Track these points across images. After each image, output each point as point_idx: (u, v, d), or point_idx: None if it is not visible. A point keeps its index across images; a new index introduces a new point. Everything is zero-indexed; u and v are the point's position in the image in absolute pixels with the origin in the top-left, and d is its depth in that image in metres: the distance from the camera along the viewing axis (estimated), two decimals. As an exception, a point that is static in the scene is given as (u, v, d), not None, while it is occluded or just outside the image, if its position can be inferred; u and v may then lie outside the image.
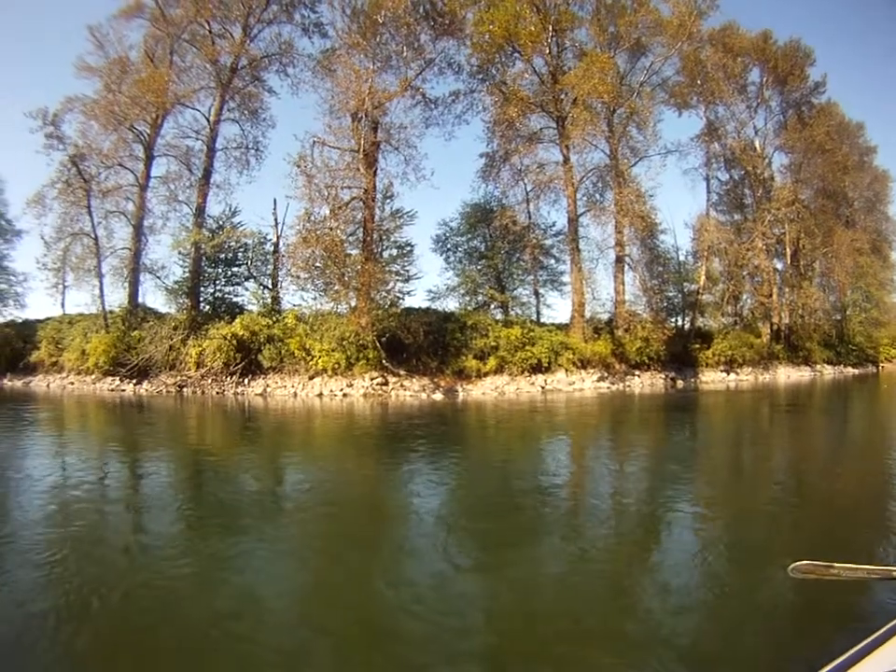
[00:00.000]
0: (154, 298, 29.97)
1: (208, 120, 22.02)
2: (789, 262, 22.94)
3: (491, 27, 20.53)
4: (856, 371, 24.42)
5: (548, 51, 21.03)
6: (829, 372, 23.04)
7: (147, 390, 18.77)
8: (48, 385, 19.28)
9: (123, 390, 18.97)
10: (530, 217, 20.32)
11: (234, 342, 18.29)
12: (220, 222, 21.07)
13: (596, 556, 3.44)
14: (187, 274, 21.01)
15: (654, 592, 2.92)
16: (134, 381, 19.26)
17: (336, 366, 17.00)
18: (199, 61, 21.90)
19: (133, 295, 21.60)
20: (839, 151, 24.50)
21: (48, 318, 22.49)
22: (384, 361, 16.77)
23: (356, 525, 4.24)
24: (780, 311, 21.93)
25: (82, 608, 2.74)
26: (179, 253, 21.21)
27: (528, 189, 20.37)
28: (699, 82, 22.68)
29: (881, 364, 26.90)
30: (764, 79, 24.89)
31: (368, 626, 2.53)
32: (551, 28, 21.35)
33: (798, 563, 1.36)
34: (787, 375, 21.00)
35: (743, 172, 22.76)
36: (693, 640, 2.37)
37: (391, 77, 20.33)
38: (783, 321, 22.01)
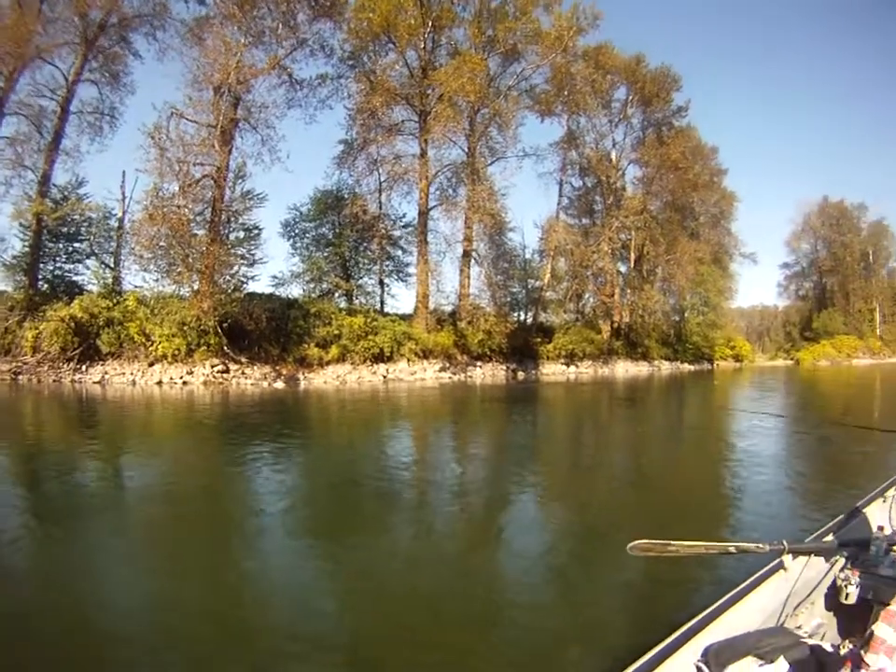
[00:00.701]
0: None
1: (66, 79, 20.23)
2: (632, 266, 25.58)
3: (371, 14, 20.65)
4: (692, 368, 27.52)
5: (423, 46, 21.56)
6: (666, 368, 26.01)
7: None
8: None
9: None
10: (381, 208, 20.78)
11: (72, 324, 17.22)
12: (65, 193, 19.53)
13: (440, 542, 3.45)
14: (26, 249, 19.30)
15: (498, 573, 2.99)
16: None
17: (176, 352, 16.63)
18: (68, 12, 19.97)
19: (-31, 270, 19.57)
20: (691, 170, 27.37)
21: None
22: (225, 348, 16.69)
23: (197, 519, 4.07)
24: (622, 310, 24.46)
25: None
26: (20, 224, 19.42)
27: (382, 180, 20.75)
28: (566, 93, 24.31)
29: (716, 362, 30.83)
30: (630, 97, 27.17)
31: (217, 625, 2.42)
32: (430, 23, 21.88)
33: (636, 542, 1.36)
34: (626, 369, 23.47)
35: (596, 180, 24.90)
36: (537, 616, 2.39)
37: (260, 54, 19.90)
38: (624, 319, 24.57)
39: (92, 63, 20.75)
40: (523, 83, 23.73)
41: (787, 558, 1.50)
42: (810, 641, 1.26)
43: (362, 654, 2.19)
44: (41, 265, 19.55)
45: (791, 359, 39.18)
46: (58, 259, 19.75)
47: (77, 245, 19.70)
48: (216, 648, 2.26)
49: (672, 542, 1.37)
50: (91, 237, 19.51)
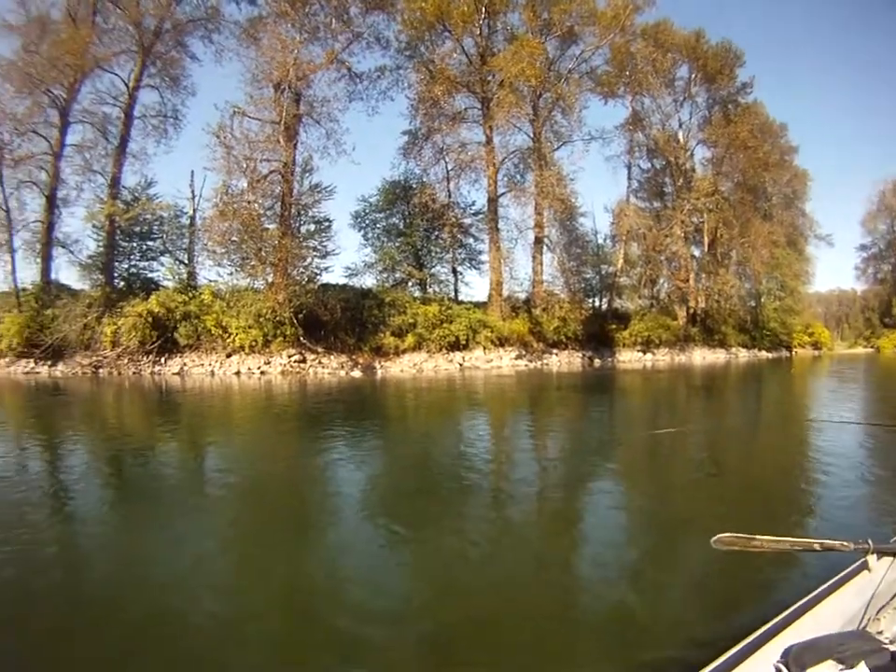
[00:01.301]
0: (68, 274, 28.25)
1: (127, 86, 20.94)
2: (706, 250, 24.16)
3: (423, 4, 20.46)
4: (770, 356, 25.87)
5: (479, 32, 21.17)
6: (744, 356, 24.45)
7: (62, 372, 17.82)
8: None
9: (38, 373, 17.90)
10: (450, 196, 20.48)
11: (150, 319, 17.60)
12: (136, 194, 20.13)
13: (520, 530, 3.42)
14: (101, 249, 19.96)
15: (574, 564, 2.92)
16: (49, 363, 18.23)
17: (253, 343, 16.69)
18: (122, 22, 20.75)
19: (46, 271, 20.30)
20: (761, 149, 25.82)
21: None
22: (301, 338, 16.61)
23: (281, 505, 4.09)
24: (697, 295, 23.11)
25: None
26: (93, 226, 20.10)
27: (449, 168, 20.49)
28: (628, 73, 23.39)
29: (794, 349, 28.76)
30: (693, 76, 25.91)
31: (295, 609, 2.46)
32: (483, 9, 21.49)
33: (721, 535, 1.36)
34: (703, 357, 22.14)
35: (665, 161, 23.73)
36: (613, 611, 2.33)
37: (317, 49, 19.99)
38: (699, 305, 23.20)
39: (151, 68, 21.38)
40: (583, 65, 22.96)
41: (871, 558, 1.45)
42: (892, 648, 1.18)
43: (436, 639, 2.15)
44: (116, 263, 20.17)
45: (872, 347, 36.22)
46: (132, 257, 20.34)
47: (150, 243, 20.24)
48: (292, 629, 2.28)
49: (756, 537, 1.36)
50: (164, 235, 20.00)
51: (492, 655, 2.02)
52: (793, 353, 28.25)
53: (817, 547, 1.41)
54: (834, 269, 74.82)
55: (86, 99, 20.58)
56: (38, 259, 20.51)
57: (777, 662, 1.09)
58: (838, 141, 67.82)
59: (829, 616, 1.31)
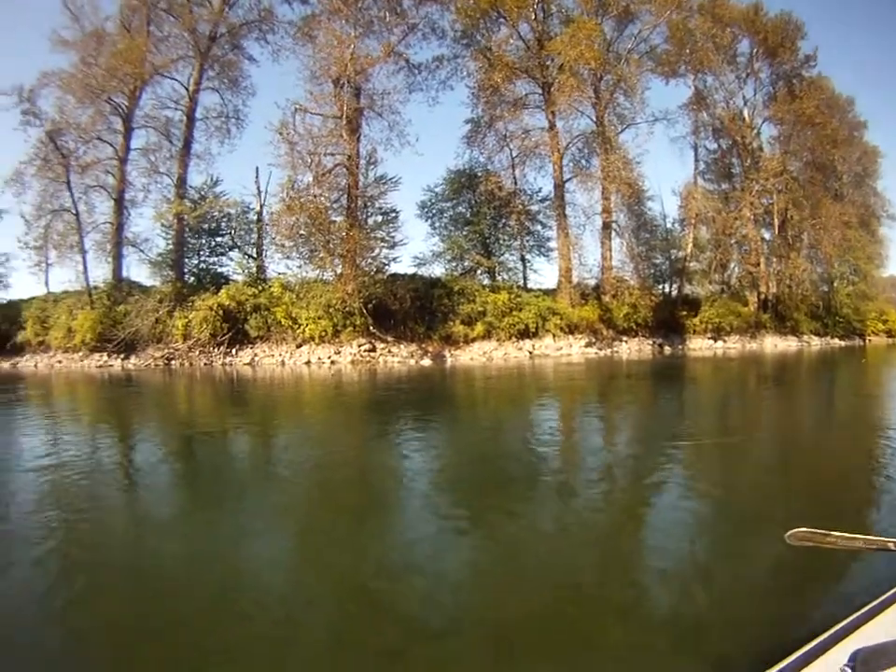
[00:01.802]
0: (138, 271, 29.43)
1: (187, 90, 21.60)
2: (776, 232, 22.95)
3: None
4: (843, 343, 24.41)
5: (534, 17, 20.76)
6: (816, 343, 23.18)
7: (134, 364, 18.57)
8: (35, 366, 18.92)
9: (111, 366, 18.72)
10: (516, 183, 20.23)
11: (220, 312, 18.14)
12: (202, 192, 20.78)
13: (589, 519, 3.40)
14: (170, 246, 20.75)
15: (645, 557, 2.88)
16: (122, 356, 19.04)
17: (323, 333, 16.94)
18: (176, 30, 21.43)
19: (117, 269, 21.26)
20: (829, 125, 24.38)
21: (32, 298, 21.87)
22: (371, 328, 16.73)
23: (348, 491, 4.16)
24: (768, 280, 22.01)
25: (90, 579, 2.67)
26: (162, 225, 20.93)
27: (514, 155, 20.20)
28: (687, 51, 22.47)
29: (868, 337, 27.04)
30: (754, 51, 24.68)
31: (359, 595, 2.48)
32: (537, -7, 21.05)
33: (795, 530, 1.34)
34: (774, 344, 21.12)
35: (731, 141, 22.68)
36: (684, 603, 2.31)
37: (373, 43, 20.06)
38: (770, 291, 22.10)
39: (209, 71, 21.93)
40: (642, 45, 22.19)
41: None
42: None
43: (498, 629, 2.13)
44: (186, 260, 20.91)
45: (951, 336, 33.75)
46: (201, 253, 21.02)
47: (219, 238, 20.87)
48: (356, 615, 2.28)
49: (831, 533, 1.34)
50: (232, 231, 20.55)
51: (553, 647, 1.99)
52: (867, 341, 26.55)
53: (892, 546, 1.37)
54: None
55: (147, 105, 21.41)
56: (109, 259, 21.49)
57: (845, 665, 1.04)
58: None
59: None
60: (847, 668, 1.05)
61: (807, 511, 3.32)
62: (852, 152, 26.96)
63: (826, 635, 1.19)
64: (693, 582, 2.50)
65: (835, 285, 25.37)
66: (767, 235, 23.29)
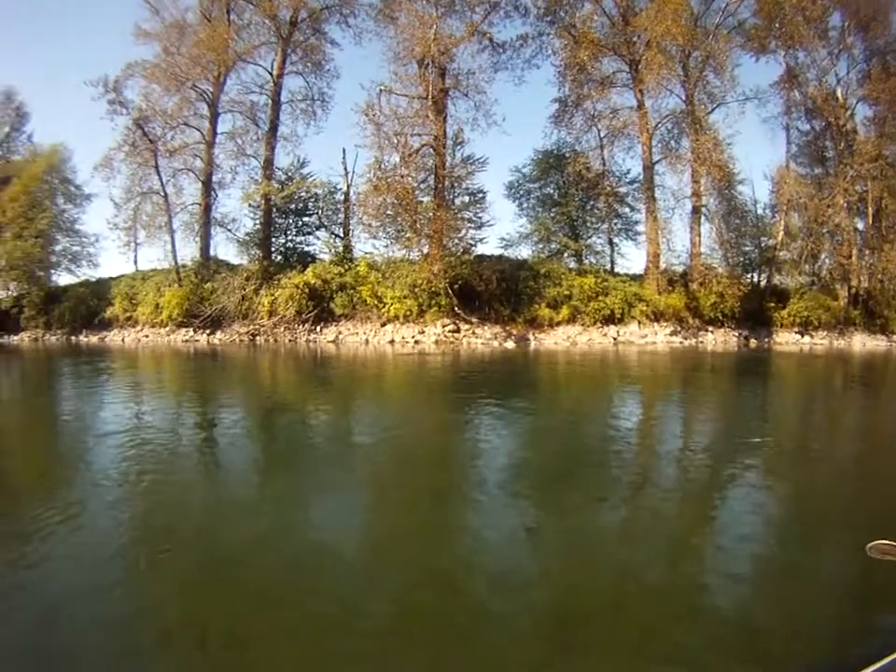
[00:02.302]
0: (225, 250, 30.72)
1: (271, 75, 22.15)
2: (870, 222, 21.61)
3: None
4: None
5: (617, -9, 20.06)
6: (904, 343, 21.97)
7: (220, 340, 19.59)
8: (122, 340, 19.94)
9: (197, 340, 19.69)
10: (604, 164, 19.91)
11: (306, 290, 18.89)
12: (289, 174, 21.44)
13: (662, 516, 3.33)
14: (257, 226, 21.60)
15: (708, 558, 2.84)
16: (208, 331, 20.11)
17: (408, 313, 17.42)
18: (257, 17, 21.92)
19: (205, 248, 22.28)
20: None
21: (121, 276, 23.10)
22: (455, 308, 17.08)
23: (426, 472, 4.17)
24: (859, 274, 20.91)
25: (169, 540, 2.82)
26: (249, 206, 21.77)
27: (602, 136, 19.82)
28: (777, 25, 21.16)
29: (963, 340, 25.21)
30: (846, 24, 22.90)
31: (430, 573, 2.51)
32: (619, -34, 20.30)
33: (877, 542, 1.28)
34: (863, 343, 20.16)
35: (824, 123, 21.36)
36: (752, 610, 2.23)
37: (456, 22, 19.97)
38: (861, 285, 21.01)
39: (293, 56, 22.31)
40: (730, 19, 21.10)
41: None
42: None
43: (561, 618, 2.15)
44: (273, 239, 21.76)
45: None
46: (288, 232, 21.81)
47: (305, 218, 21.59)
48: (424, 595, 2.30)
49: None
50: (320, 211, 21.20)
51: (615, 641, 1.98)
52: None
53: None
54: None
55: (233, 90, 22.07)
56: (197, 238, 22.56)
57: None
58: None
59: None
60: None
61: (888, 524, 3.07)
62: (953, 135, 24.83)
63: (891, 658, 1.15)
64: (764, 588, 2.44)
65: (929, 279, 23.77)
66: (860, 225, 22.02)
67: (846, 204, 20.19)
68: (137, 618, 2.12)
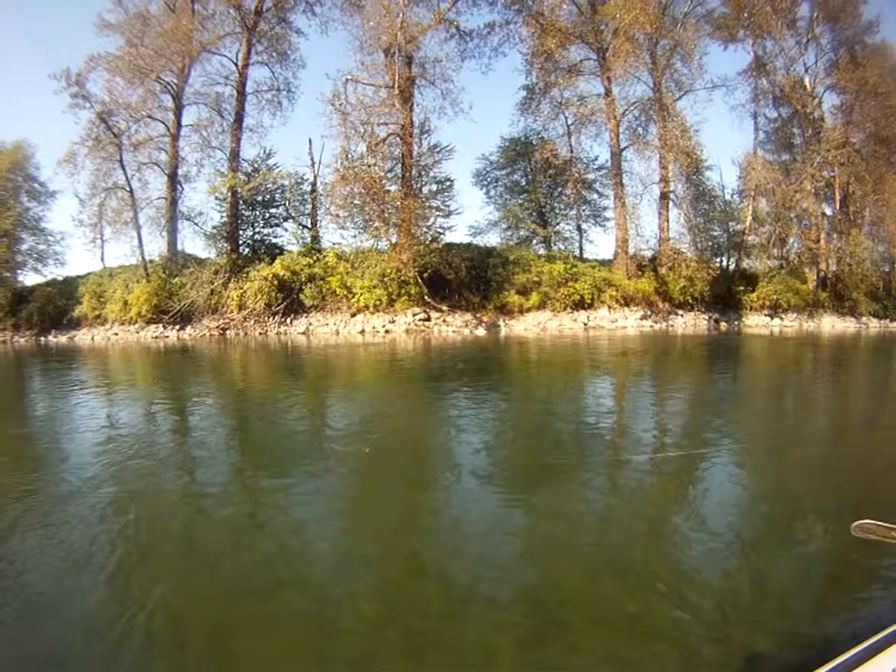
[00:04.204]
0: (193, 244, 29.97)
1: (236, 65, 21.76)
2: (838, 208, 21.95)
3: None
4: None
5: (586, -21, 20.09)
6: (875, 326, 22.23)
7: (190, 335, 19.12)
8: (92, 338, 19.38)
9: (167, 336, 19.23)
10: (572, 151, 19.96)
11: (275, 282, 18.55)
12: (255, 165, 21.08)
13: (639, 499, 3.31)
14: (225, 219, 21.17)
15: (693, 540, 2.79)
16: (177, 327, 19.61)
17: (378, 303, 17.20)
18: (221, 7, 21.48)
19: (172, 243, 21.77)
20: (893, 95, 22.99)
21: (88, 273, 22.42)
22: (426, 297, 16.89)
23: (401, 460, 4.19)
24: (827, 257, 21.22)
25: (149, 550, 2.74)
26: (216, 198, 21.34)
27: (569, 123, 19.91)
28: (746, 15, 21.43)
29: (931, 323, 25.80)
30: (815, 14, 23.30)
31: (410, 561, 2.54)
32: (587, -46, 20.34)
33: (861, 521, 1.29)
34: (832, 325, 20.46)
35: (792, 110, 21.67)
36: (734, 591, 2.23)
37: (423, 11, 19.80)
38: (830, 268, 21.33)
39: (258, 46, 21.94)
40: (699, 8, 21.30)
41: None
42: None
43: (541, 600, 2.15)
44: (241, 232, 21.33)
45: None
46: (256, 224, 21.41)
47: (273, 210, 21.20)
48: (405, 581, 2.31)
49: None
50: (287, 202, 20.85)
51: (594, 623, 1.99)
52: (928, 326, 25.37)
53: None
54: None
55: (197, 82, 21.58)
56: (164, 233, 22.01)
57: None
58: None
59: None
60: None
61: (864, 504, 3.12)
62: (918, 125, 25.36)
63: (881, 635, 1.16)
64: (745, 569, 2.42)
65: (897, 264, 24.26)
66: (828, 210, 22.36)
67: (813, 190, 20.47)
68: (119, 614, 2.09)
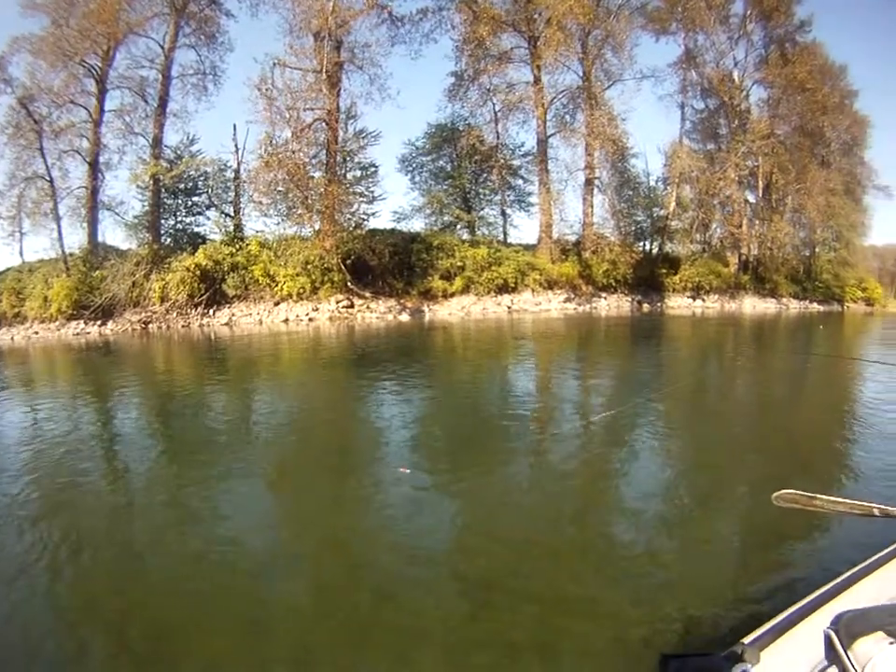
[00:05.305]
0: (114, 235, 28.71)
1: (163, 48, 20.86)
2: (760, 195, 22.87)
3: None
4: (821, 308, 24.52)
5: (521, -32, 20.12)
6: (794, 307, 23.33)
7: (112, 330, 18.19)
8: (11, 339, 18.10)
9: (88, 333, 18.26)
10: (498, 137, 19.98)
11: (198, 272, 17.84)
12: (178, 152, 20.25)
13: (565, 475, 3.35)
14: (146, 208, 20.26)
15: (618, 515, 2.83)
16: (99, 322, 18.64)
17: (301, 291, 16.77)
18: None
19: (93, 234, 20.72)
20: (820, 91, 24.04)
21: (7, 269, 21.16)
22: (349, 284, 16.57)
23: (326, 449, 4.15)
24: (749, 242, 22.02)
25: (78, 531, 2.73)
26: (137, 187, 20.37)
27: (496, 109, 19.88)
28: (680, 9, 21.99)
29: (847, 304, 27.26)
30: (748, 12, 24.12)
31: (340, 551, 2.49)
32: (525, -56, 20.37)
33: (782, 491, 1.34)
34: (753, 306, 21.28)
35: (719, 102, 22.38)
36: (663, 561, 2.24)
37: (356, -6, 19.39)
38: (752, 252, 22.15)
39: (186, 28, 21.17)
40: (633, 0, 21.67)
41: None
42: None
43: (468, 582, 2.15)
44: (163, 221, 20.46)
45: (927, 308, 34.15)
46: (178, 213, 20.59)
47: (195, 198, 20.43)
48: (335, 570, 2.29)
49: (817, 496, 1.35)
50: (209, 190, 20.11)
51: (526, 601, 1.96)
52: (845, 307, 26.77)
53: (876, 512, 1.37)
54: (892, 223, 68.57)
55: (122, 65, 20.60)
56: (84, 224, 20.91)
57: (828, 628, 1.06)
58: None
59: (881, 586, 1.27)
60: (830, 631, 1.05)
61: (777, 474, 3.16)
62: (842, 120, 26.64)
63: (810, 598, 1.20)
64: (672, 540, 2.44)
65: (817, 250, 25.43)
66: (751, 198, 23.22)
67: (737, 178, 21.18)
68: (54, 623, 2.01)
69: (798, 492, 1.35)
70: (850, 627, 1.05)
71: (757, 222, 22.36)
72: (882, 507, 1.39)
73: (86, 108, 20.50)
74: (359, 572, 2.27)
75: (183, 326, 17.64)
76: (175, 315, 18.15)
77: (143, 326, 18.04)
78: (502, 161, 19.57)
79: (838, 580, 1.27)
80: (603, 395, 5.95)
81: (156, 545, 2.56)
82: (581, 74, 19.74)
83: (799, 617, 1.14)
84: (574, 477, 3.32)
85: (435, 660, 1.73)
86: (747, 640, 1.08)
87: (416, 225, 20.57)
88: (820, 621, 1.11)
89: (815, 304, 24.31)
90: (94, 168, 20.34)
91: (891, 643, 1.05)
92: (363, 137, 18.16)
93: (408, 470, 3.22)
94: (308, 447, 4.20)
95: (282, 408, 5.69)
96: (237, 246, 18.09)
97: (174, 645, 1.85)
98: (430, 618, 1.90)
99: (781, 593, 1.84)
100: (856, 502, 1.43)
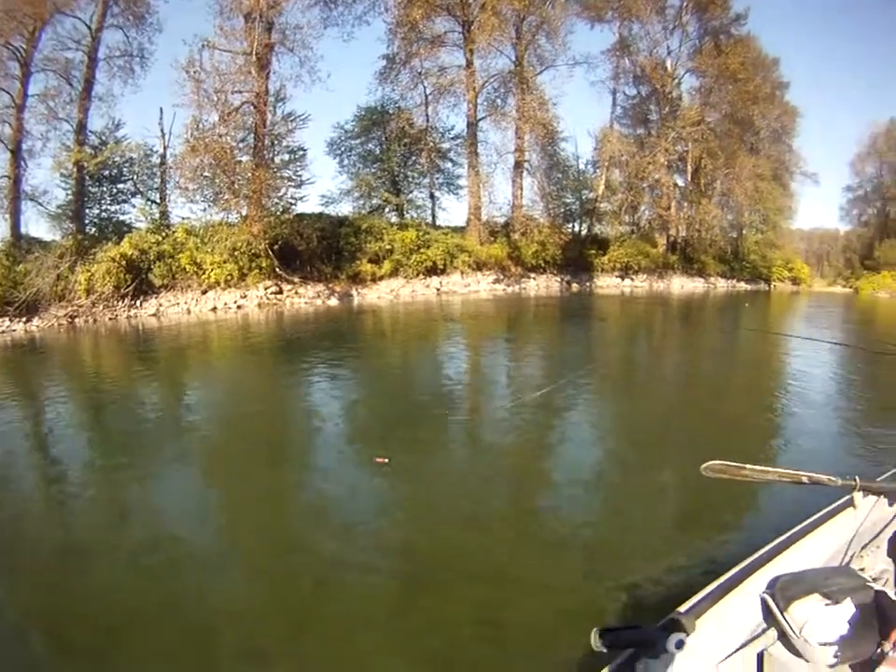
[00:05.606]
0: (38, 226, 27.43)
1: (90, 28, 20.03)
2: (689, 179, 23.78)
3: None
4: (749, 287, 25.67)
5: (457, -48, 20.15)
6: (722, 286, 24.40)
7: (38, 327, 17.43)
8: None
9: (14, 331, 17.49)
10: (428, 121, 19.97)
11: (123, 263, 17.30)
12: (103, 138, 19.54)
13: (498, 452, 3.38)
14: (70, 197, 19.49)
15: (555, 490, 2.86)
16: (24, 319, 17.84)
17: (229, 278, 16.52)
18: None
19: (16, 226, 19.73)
20: (752, 82, 25.01)
21: None
22: (277, 269, 16.43)
23: (261, 438, 4.12)
24: (678, 224, 22.87)
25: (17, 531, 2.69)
26: (61, 175, 19.56)
27: (427, 93, 19.83)
28: (616, -2, 22.47)
29: (773, 283, 28.75)
30: (685, 3, 24.85)
31: (277, 539, 2.50)
32: (460, -73, 20.40)
33: (711, 462, 1.34)
34: (681, 285, 22.14)
35: (651, 89, 23.08)
36: (597, 533, 2.32)
37: (289, -25, 19.06)
38: (680, 234, 23.02)
39: (114, 8, 20.34)
40: (570, -12, 21.97)
41: (857, 495, 1.41)
42: (875, 586, 1.16)
43: (410, 563, 2.13)
44: (87, 210, 19.73)
45: (850, 287, 36.33)
46: (103, 202, 19.90)
47: (120, 185, 19.80)
48: (275, 558, 2.29)
49: (746, 466, 1.35)
50: (135, 176, 19.52)
51: (465, 577, 2.00)
52: (772, 286, 28.19)
53: (804, 480, 1.39)
54: (818, 208, 73.92)
55: (47, 46, 19.59)
56: (6, 216, 19.98)
57: (764, 593, 1.09)
58: (832, 82, 66.41)
59: (814, 550, 1.31)
60: (766, 595, 1.07)
61: (706, 442, 3.33)
62: (772, 110, 27.85)
63: (744, 564, 1.20)
64: (606, 515, 2.53)
65: (744, 232, 26.65)
66: (680, 181, 24.10)
67: (666, 162, 21.94)
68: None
69: (726, 462, 1.34)
70: (786, 591, 1.06)
71: (686, 205, 23.24)
72: (810, 474, 1.38)
73: (8, 93, 19.47)
74: (298, 558, 2.28)
75: (110, 318, 17.12)
76: (101, 307, 17.56)
77: (69, 320, 17.38)
78: (432, 144, 19.65)
79: (771, 545, 1.27)
80: (534, 374, 6.04)
81: (91, 544, 2.54)
82: (513, 59, 20.02)
83: (733, 583, 1.13)
84: (508, 456, 3.37)
85: (379, 645, 1.74)
86: (682, 609, 1.05)
87: (344, 209, 20.37)
88: (755, 587, 1.12)
89: (742, 283, 25.50)
90: (16, 156, 19.35)
91: (827, 604, 1.06)
92: (292, 121, 17.96)
93: (386, 460, 3.18)
94: (239, 439, 4.19)
95: (211, 400, 5.65)
96: (163, 234, 17.65)
97: (118, 643, 1.83)
98: (373, 601, 1.91)
99: (715, 561, 1.86)
100: (784, 470, 1.41)
